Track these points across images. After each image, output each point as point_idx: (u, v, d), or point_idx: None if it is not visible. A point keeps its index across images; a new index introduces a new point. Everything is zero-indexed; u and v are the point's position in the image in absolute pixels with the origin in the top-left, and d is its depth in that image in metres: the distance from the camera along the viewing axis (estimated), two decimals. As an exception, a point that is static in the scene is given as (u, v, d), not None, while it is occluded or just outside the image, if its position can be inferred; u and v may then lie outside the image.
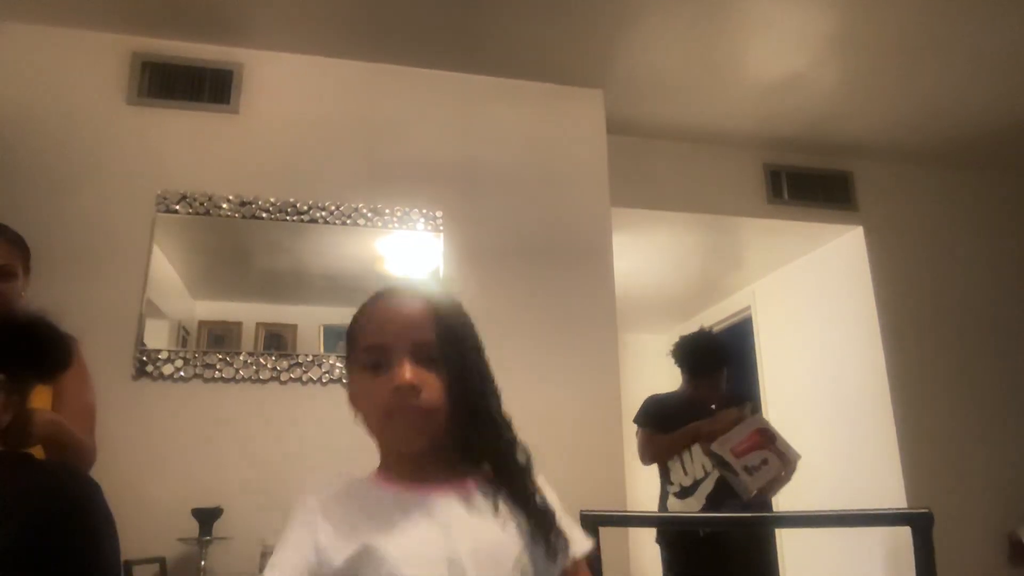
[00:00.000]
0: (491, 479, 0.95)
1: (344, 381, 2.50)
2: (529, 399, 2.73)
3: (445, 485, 0.93)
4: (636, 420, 2.65)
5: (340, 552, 0.85)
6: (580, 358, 2.75)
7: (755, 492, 2.42)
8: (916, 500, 3.05)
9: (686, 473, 2.61)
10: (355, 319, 0.98)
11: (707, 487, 2.56)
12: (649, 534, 4.84)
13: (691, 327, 5.00)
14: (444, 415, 0.92)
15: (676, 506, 2.65)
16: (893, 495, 3.10)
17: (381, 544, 0.84)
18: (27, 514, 1.26)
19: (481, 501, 0.92)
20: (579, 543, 0.95)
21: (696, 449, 2.56)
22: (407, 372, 0.90)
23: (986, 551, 3.11)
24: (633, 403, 2.71)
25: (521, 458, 0.98)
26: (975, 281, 3.55)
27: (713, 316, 4.76)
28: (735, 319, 4.56)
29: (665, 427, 2.59)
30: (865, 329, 3.43)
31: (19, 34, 2.64)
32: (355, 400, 0.97)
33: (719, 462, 2.47)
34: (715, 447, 2.44)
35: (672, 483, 2.64)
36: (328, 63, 2.87)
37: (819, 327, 3.75)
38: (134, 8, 2.61)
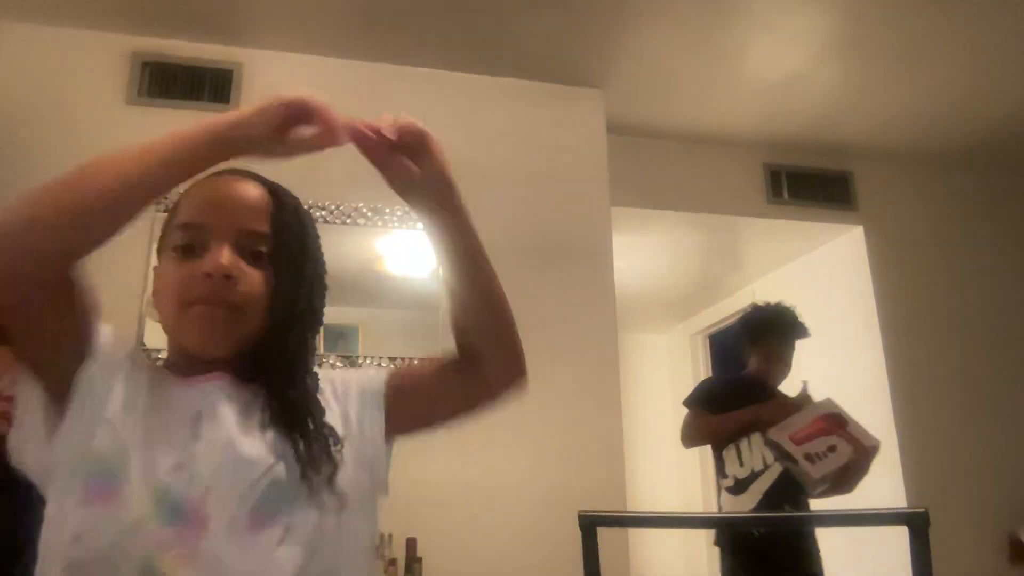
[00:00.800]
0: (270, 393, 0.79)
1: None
2: (529, 399, 2.73)
3: (218, 380, 0.78)
4: (686, 401, 2.46)
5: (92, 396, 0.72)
6: (580, 358, 2.75)
7: (820, 482, 2.17)
8: (916, 500, 3.05)
9: (742, 464, 2.38)
10: (179, 196, 0.83)
11: (765, 482, 2.32)
12: (650, 534, 4.84)
13: (691, 327, 5.04)
14: (257, 321, 0.78)
15: (728, 504, 2.41)
16: (893, 495, 3.10)
17: (119, 422, 0.72)
18: (33, 513, 1.26)
19: (251, 409, 0.78)
20: (374, 372, 0.87)
21: (756, 438, 2.34)
22: (223, 257, 0.76)
23: (986, 551, 3.11)
24: (633, 403, 2.71)
25: (304, 386, 0.83)
26: (975, 281, 3.55)
27: (713, 316, 4.76)
28: (735, 319, 4.56)
29: (722, 410, 2.39)
30: (865, 329, 3.43)
31: (19, 34, 2.64)
32: (155, 289, 0.81)
33: (778, 452, 2.24)
34: (771, 433, 2.22)
35: (727, 476, 2.41)
36: (328, 63, 2.87)
37: (819, 327, 3.74)
38: (134, 8, 2.61)
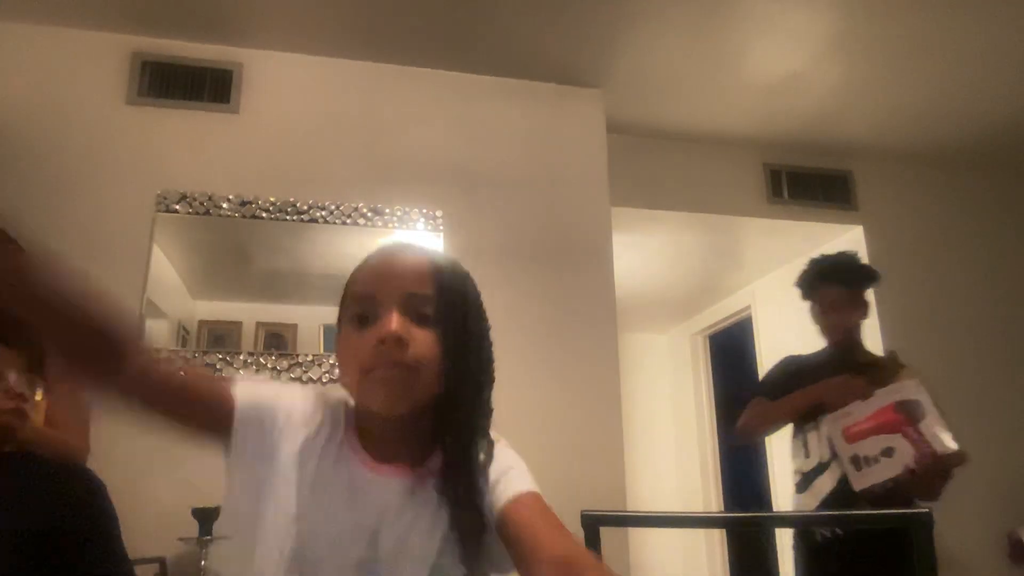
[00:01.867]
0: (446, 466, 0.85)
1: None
2: (529, 399, 2.74)
3: (403, 467, 0.85)
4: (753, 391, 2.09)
5: (279, 475, 0.82)
6: (580, 358, 2.75)
7: (863, 496, 1.77)
8: (916, 501, 3.05)
9: (807, 455, 1.96)
10: (352, 272, 0.90)
11: (827, 481, 1.89)
12: (650, 534, 4.84)
13: (691, 327, 5.04)
14: (433, 378, 0.83)
15: (792, 503, 2.03)
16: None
17: (305, 510, 0.81)
18: (35, 512, 1.27)
19: (429, 491, 0.84)
20: (512, 488, 0.86)
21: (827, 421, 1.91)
22: (393, 323, 0.81)
23: (986, 551, 3.11)
24: (633, 403, 2.71)
25: (479, 454, 0.87)
26: (975, 281, 3.55)
27: (713, 316, 4.77)
28: (735, 319, 4.56)
29: (786, 393, 2.00)
30: (865, 329, 3.43)
31: (19, 34, 2.64)
32: (338, 357, 0.88)
33: (831, 449, 1.86)
34: (827, 422, 1.84)
35: (794, 470, 2.02)
36: (328, 63, 2.87)
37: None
38: (134, 8, 2.61)
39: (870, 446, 1.75)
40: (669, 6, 2.60)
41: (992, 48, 2.81)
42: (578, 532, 1.10)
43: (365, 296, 0.85)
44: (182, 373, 0.82)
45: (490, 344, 0.92)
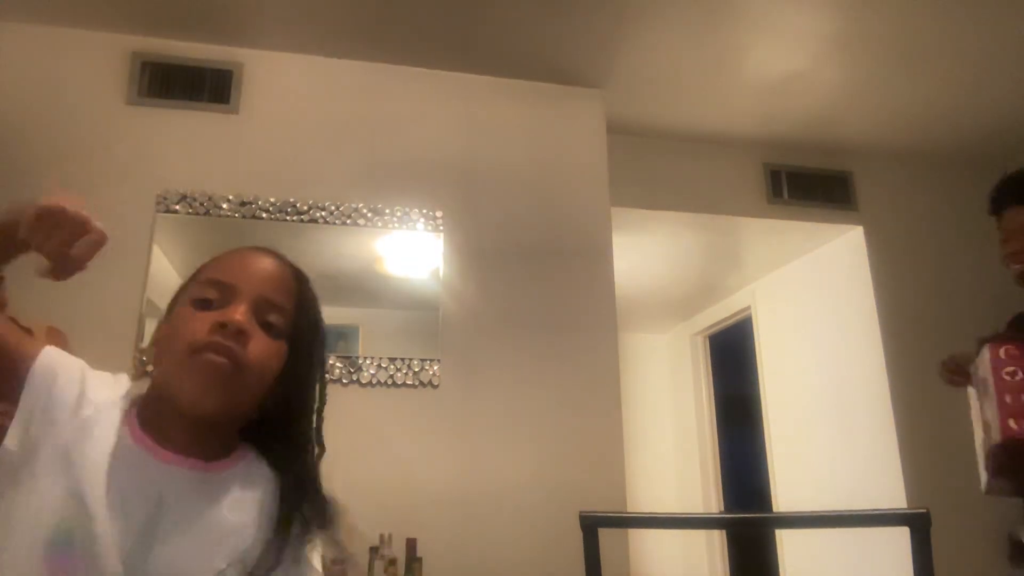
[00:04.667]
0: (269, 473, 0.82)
1: (342, 381, 2.50)
2: (529, 399, 2.74)
3: (193, 459, 0.78)
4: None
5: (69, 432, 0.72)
6: (580, 358, 2.74)
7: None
8: (916, 500, 3.05)
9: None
10: (211, 259, 0.86)
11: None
12: (650, 534, 4.84)
13: (691, 327, 5.04)
14: (256, 388, 0.79)
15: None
16: (893, 495, 3.10)
17: (87, 494, 0.70)
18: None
19: (243, 488, 0.79)
20: None
21: None
22: (239, 312, 0.77)
23: (986, 551, 3.11)
24: (633, 403, 2.71)
25: (315, 483, 0.85)
26: (975, 281, 3.54)
27: (713, 316, 4.76)
28: (735, 319, 4.56)
29: None
30: (865, 329, 3.43)
31: (19, 34, 2.64)
32: (160, 335, 0.82)
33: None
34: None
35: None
36: (328, 63, 2.87)
37: (819, 327, 3.75)
38: (134, 8, 2.61)
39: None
40: (669, 6, 2.60)
41: (992, 48, 2.81)
42: (577, 533, 1.10)
43: (219, 282, 0.80)
44: None
45: (325, 384, 0.90)
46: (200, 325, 0.76)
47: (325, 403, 0.90)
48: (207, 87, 2.73)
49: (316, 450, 0.89)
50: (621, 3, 2.58)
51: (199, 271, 0.85)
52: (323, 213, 2.67)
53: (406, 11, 2.63)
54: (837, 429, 3.54)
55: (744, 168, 3.50)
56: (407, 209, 2.76)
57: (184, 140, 2.67)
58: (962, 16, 2.63)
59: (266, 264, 0.85)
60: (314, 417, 0.88)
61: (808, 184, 3.52)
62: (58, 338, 1.63)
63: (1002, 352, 1.45)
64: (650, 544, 4.72)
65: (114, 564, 0.68)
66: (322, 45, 2.82)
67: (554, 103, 3.04)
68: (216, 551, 0.74)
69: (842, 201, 3.53)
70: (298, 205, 2.66)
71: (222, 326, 0.76)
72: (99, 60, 2.68)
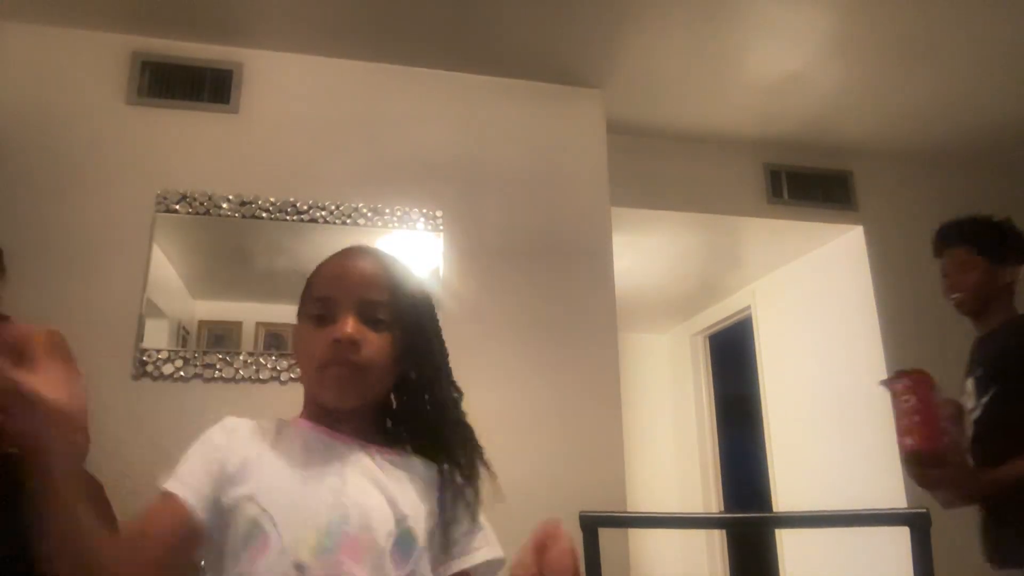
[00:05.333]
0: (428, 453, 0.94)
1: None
2: (529, 399, 2.73)
3: (360, 442, 0.91)
4: None
5: (237, 486, 0.84)
6: (580, 358, 2.74)
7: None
8: (916, 500, 3.05)
9: None
10: (313, 271, 0.99)
11: None
12: (650, 534, 4.84)
13: (691, 327, 5.04)
14: (382, 377, 0.92)
15: None
16: (893, 495, 3.10)
17: (267, 483, 0.84)
18: (32, 513, 1.26)
19: (389, 468, 0.91)
20: (481, 552, 0.93)
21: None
22: (348, 326, 0.89)
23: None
24: (633, 403, 2.71)
25: (467, 444, 0.96)
26: (975, 281, 3.54)
27: (713, 316, 4.77)
28: (735, 319, 4.56)
29: None
30: (865, 329, 3.43)
31: (19, 34, 2.64)
32: (295, 350, 0.98)
33: None
34: None
35: None
36: (328, 63, 2.87)
37: (819, 327, 3.75)
38: (134, 8, 2.61)
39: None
40: (669, 6, 2.60)
41: (992, 48, 2.81)
42: (577, 533, 1.10)
43: (324, 298, 0.92)
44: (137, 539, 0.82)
45: (442, 342, 1.00)
46: (320, 343, 0.89)
47: (446, 355, 1.00)
48: (207, 87, 2.73)
49: (456, 395, 0.99)
50: (621, 3, 2.58)
51: (309, 285, 0.97)
52: (323, 213, 2.67)
53: (406, 11, 2.63)
54: (837, 429, 3.54)
55: (744, 168, 3.50)
56: (407, 209, 2.76)
57: (184, 140, 2.67)
58: (961, 16, 2.63)
59: (359, 267, 0.96)
60: (444, 375, 0.98)
61: (808, 184, 3.52)
62: (56, 340, 1.63)
63: (900, 386, 1.74)
64: (650, 544, 4.72)
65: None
66: (322, 45, 2.82)
67: (554, 103, 3.04)
68: (401, 493, 0.88)
69: (842, 201, 3.53)
70: (298, 205, 2.66)
71: (336, 342, 0.88)
72: (99, 60, 2.68)
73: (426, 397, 0.95)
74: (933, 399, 1.72)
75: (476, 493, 0.94)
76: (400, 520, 0.86)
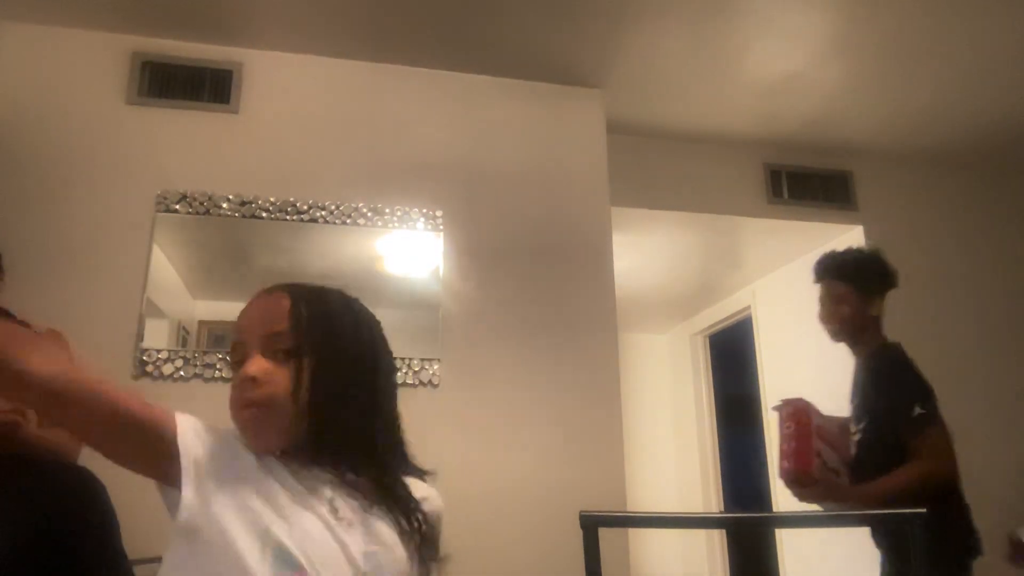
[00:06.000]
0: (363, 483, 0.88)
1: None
2: (528, 399, 2.73)
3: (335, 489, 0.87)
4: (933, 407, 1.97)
5: (247, 495, 0.81)
6: (580, 358, 2.75)
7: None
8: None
9: None
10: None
11: None
12: (650, 534, 4.84)
13: (691, 327, 5.04)
14: (288, 414, 0.86)
15: None
16: (893, 495, 3.10)
17: (292, 516, 0.81)
18: (36, 514, 1.27)
19: (377, 510, 0.87)
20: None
21: None
22: (250, 366, 0.86)
23: (986, 551, 3.11)
24: (633, 403, 2.71)
25: (394, 467, 0.92)
26: (975, 281, 3.55)
27: (713, 316, 4.77)
28: (735, 319, 4.56)
29: None
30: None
31: (19, 34, 2.64)
32: None
33: None
34: None
35: None
36: (328, 63, 2.87)
37: (819, 327, 3.74)
38: (134, 8, 2.61)
39: None
40: (670, 6, 2.60)
41: (992, 48, 2.81)
42: (577, 533, 1.10)
43: (235, 343, 0.91)
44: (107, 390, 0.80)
45: (363, 356, 0.94)
46: (233, 387, 0.88)
47: (374, 374, 0.94)
48: (207, 87, 2.73)
49: (387, 421, 0.95)
50: (621, 3, 2.58)
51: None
52: (323, 213, 2.67)
53: (406, 11, 2.63)
54: (837, 429, 3.54)
55: (744, 168, 3.50)
56: (407, 209, 2.76)
57: (184, 140, 2.67)
58: (961, 16, 2.63)
59: (258, 305, 0.92)
60: (362, 396, 0.92)
61: (808, 184, 3.52)
62: (58, 340, 1.63)
63: (783, 414, 1.96)
64: (650, 544, 4.72)
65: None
66: (322, 45, 2.82)
67: (554, 103, 3.04)
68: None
69: (842, 201, 3.53)
70: (298, 205, 2.66)
71: (237, 385, 0.87)
72: (99, 60, 2.68)
73: (347, 423, 0.89)
74: (810, 425, 1.93)
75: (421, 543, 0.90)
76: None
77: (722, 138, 3.45)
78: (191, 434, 0.83)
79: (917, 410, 1.91)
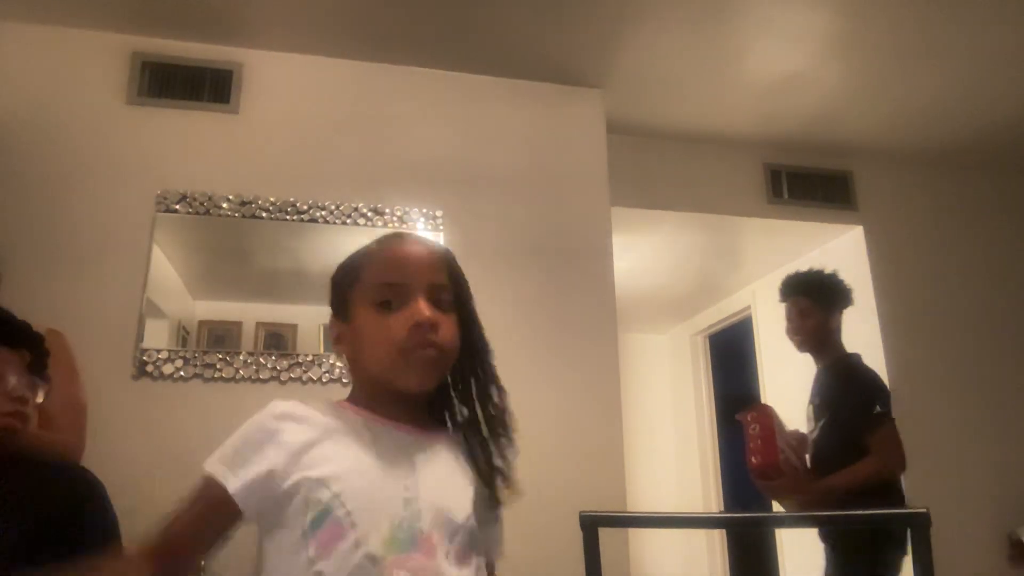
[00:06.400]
0: (468, 436, 0.96)
1: (342, 380, 2.51)
2: (529, 399, 2.72)
3: (423, 429, 0.93)
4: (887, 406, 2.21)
5: (302, 470, 0.83)
6: (580, 358, 2.75)
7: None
8: (916, 500, 3.05)
9: None
10: (358, 258, 0.97)
11: None
12: (650, 534, 4.84)
13: (691, 327, 5.04)
14: (454, 357, 0.94)
15: None
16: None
17: (341, 469, 0.83)
18: (34, 514, 1.27)
19: (455, 455, 0.94)
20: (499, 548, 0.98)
21: None
22: (426, 309, 0.89)
23: (986, 551, 3.11)
24: (633, 403, 2.71)
25: (507, 419, 0.99)
26: (975, 281, 3.55)
27: (713, 316, 4.77)
28: (735, 319, 4.56)
29: None
30: (865, 329, 3.43)
31: (19, 34, 2.64)
32: (354, 338, 0.93)
33: None
34: None
35: None
36: (328, 63, 2.87)
37: (819, 327, 3.74)
38: (134, 8, 2.61)
39: None
40: (669, 6, 2.60)
41: (992, 48, 2.81)
42: (577, 533, 1.10)
43: (390, 284, 0.91)
44: (178, 522, 0.87)
45: (484, 334, 1.02)
46: (397, 327, 0.89)
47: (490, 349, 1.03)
48: (207, 87, 2.73)
49: (498, 384, 1.02)
50: (621, 3, 2.58)
51: (364, 273, 0.95)
52: (323, 213, 2.67)
53: (406, 11, 2.63)
54: (837, 429, 3.54)
55: (744, 168, 3.50)
56: (407, 209, 2.76)
57: (184, 140, 2.67)
58: (961, 16, 2.63)
59: (420, 253, 0.96)
60: (490, 359, 1.01)
61: (808, 184, 3.52)
62: (56, 340, 1.63)
63: (749, 418, 2.19)
64: (650, 544, 4.72)
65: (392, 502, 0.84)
66: (322, 45, 2.82)
67: (554, 103, 3.04)
68: (462, 491, 0.91)
69: (842, 201, 3.54)
70: (298, 205, 2.66)
71: (419, 326, 0.88)
72: (99, 60, 2.68)
73: (473, 381, 0.97)
74: (773, 426, 2.15)
75: (508, 481, 0.96)
76: (467, 518, 0.88)
77: (722, 138, 3.45)
78: (241, 491, 0.85)
79: (877, 408, 2.14)
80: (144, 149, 2.63)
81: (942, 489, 3.13)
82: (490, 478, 0.93)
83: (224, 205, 2.60)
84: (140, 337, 2.42)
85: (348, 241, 2.67)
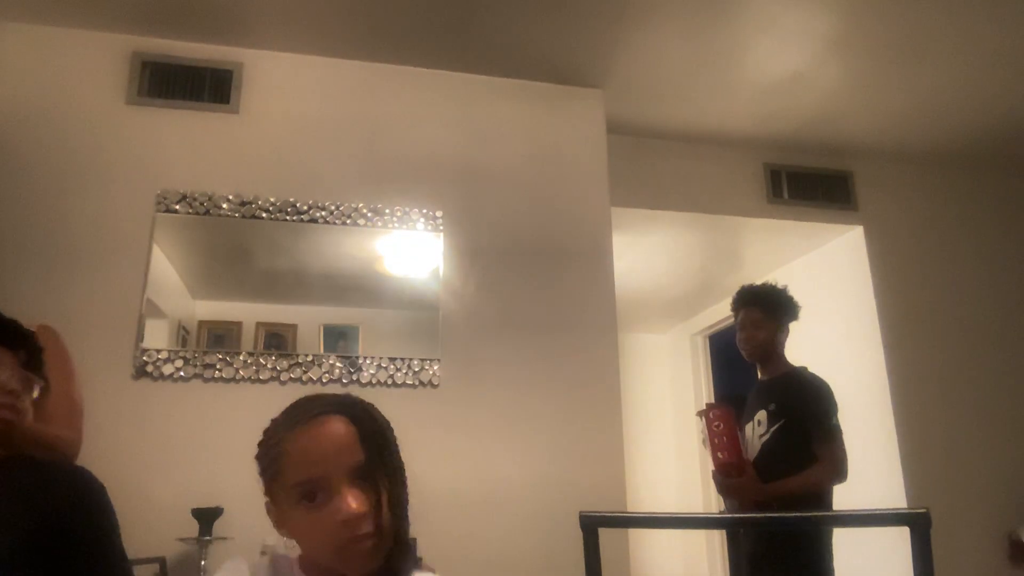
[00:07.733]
0: None
1: (342, 381, 2.50)
2: (529, 399, 2.74)
3: None
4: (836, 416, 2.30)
5: None
6: (580, 358, 2.75)
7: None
8: (916, 500, 3.05)
9: None
10: (274, 446, 0.92)
11: None
12: (650, 534, 4.84)
13: (691, 327, 5.04)
14: (388, 534, 0.90)
15: None
16: (893, 495, 3.10)
17: None
18: (34, 515, 1.26)
19: None
20: None
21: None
22: (353, 501, 0.87)
23: (986, 551, 3.11)
24: (633, 403, 2.71)
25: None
26: (975, 281, 3.55)
27: (713, 316, 4.76)
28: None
29: None
30: (865, 329, 3.43)
31: (19, 34, 2.64)
32: (295, 533, 0.92)
33: None
34: None
35: None
36: (328, 63, 2.87)
37: (819, 327, 3.74)
38: (134, 8, 2.61)
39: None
40: (669, 6, 2.60)
41: (992, 48, 2.81)
42: (577, 533, 1.10)
43: (310, 481, 0.88)
44: None
45: (402, 464, 0.98)
46: (326, 525, 0.87)
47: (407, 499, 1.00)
48: (207, 87, 2.73)
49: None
50: (621, 3, 2.58)
51: (281, 468, 0.91)
52: (323, 213, 2.67)
53: (406, 11, 2.63)
54: (837, 429, 3.54)
55: (744, 168, 3.50)
56: (407, 209, 2.76)
57: (184, 140, 2.67)
58: (962, 16, 2.63)
59: (327, 435, 0.91)
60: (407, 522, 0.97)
61: (808, 184, 3.52)
62: (48, 335, 1.63)
63: (711, 415, 2.28)
64: (650, 544, 4.72)
65: None
66: (322, 45, 2.82)
67: (554, 103, 3.04)
68: None
69: (842, 201, 3.54)
70: (298, 205, 2.66)
71: (346, 524, 0.86)
72: (99, 60, 2.69)
73: (406, 535, 0.94)
74: (735, 425, 2.27)
75: None
76: None
77: (722, 138, 3.45)
78: None
79: (833, 421, 2.25)
80: (144, 149, 2.63)
81: (942, 489, 3.13)
82: None
83: (224, 205, 2.60)
84: (140, 337, 2.42)
85: (348, 241, 2.67)
